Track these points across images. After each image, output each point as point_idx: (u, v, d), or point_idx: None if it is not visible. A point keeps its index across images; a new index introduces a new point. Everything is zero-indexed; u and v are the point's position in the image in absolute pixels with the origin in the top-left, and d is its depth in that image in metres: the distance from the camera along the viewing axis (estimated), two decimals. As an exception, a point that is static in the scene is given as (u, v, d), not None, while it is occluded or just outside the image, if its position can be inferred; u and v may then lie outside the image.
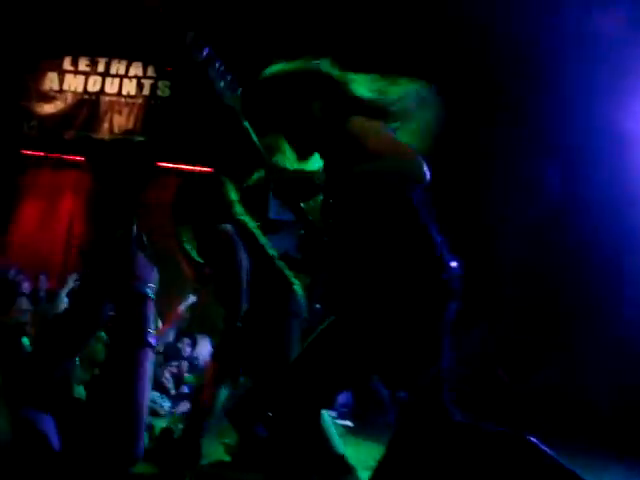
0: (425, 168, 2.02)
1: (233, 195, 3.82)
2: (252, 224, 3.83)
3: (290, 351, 3.53)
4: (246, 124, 2.28)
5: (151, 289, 1.31)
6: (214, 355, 4.29)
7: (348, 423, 5.96)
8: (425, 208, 2.24)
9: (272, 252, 3.79)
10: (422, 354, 2.14)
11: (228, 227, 3.63)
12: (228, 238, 3.59)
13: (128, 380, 1.18)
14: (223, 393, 3.98)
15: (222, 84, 2.27)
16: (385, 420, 3.43)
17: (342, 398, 6.80)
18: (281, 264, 3.82)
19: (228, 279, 3.55)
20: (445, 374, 2.16)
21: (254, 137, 2.27)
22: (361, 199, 2.14)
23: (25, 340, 2.03)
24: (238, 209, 3.81)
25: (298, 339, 3.66)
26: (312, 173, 2.24)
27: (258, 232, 3.83)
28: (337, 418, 5.86)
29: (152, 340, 1.27)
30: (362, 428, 5.56)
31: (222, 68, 2.27)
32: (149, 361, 1.23)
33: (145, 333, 1.25)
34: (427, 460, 1.77)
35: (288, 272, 3.81)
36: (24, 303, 5.71)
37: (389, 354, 2.19)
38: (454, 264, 2.18)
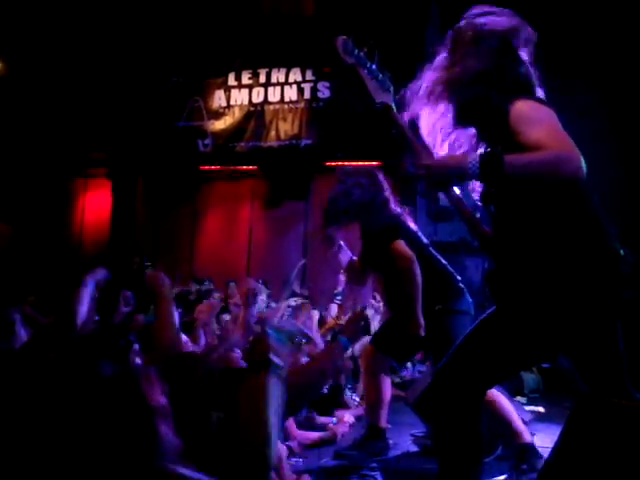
0: (581, 165, 1.91)
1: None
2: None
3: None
4: (400, 121, 2.27)
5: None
6: (373, 341, 4.22)
7: (539, 409, 5.76)
8: (594, 194, 2.12)
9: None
10: (596, 343, 2.05)
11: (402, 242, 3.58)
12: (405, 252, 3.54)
13: None
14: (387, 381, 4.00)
15: (374, 83, 2.28)
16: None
17: (532, 384, 6.60)
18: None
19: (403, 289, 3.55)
20: (624, 361, 2.05)
21: (408, 133, 2.26)
22: (520, 188, 2.07)
23: None
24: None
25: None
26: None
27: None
28: (527, 404, 5.70)
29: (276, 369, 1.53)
30: (554, 413, 5.34)
31: (374, 67, 2.28)
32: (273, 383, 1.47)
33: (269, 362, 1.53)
34: (603, 449, 1.67)
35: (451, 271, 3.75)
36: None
37: (560, 343, 2.11)
38: (622, 252, 2.06)
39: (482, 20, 2.22)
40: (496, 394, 3.28)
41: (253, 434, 1.29)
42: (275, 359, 1.54)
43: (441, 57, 2.29)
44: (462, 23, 2.27)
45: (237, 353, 3.28)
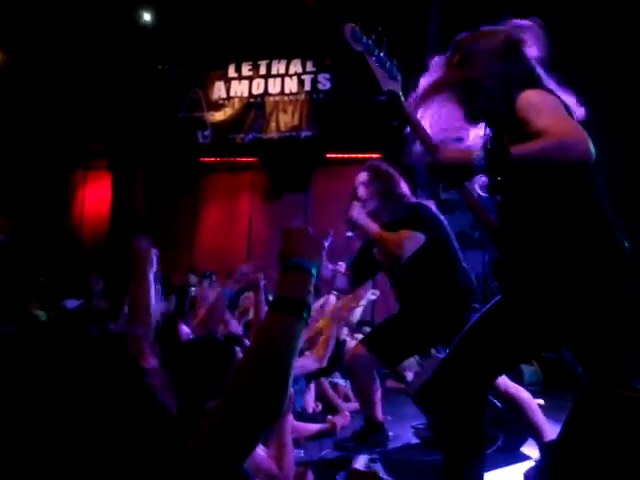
0: (589, 148, 1.90)
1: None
2: None
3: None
4: (407, 109, 2.27)
5: (315, 267, 1.36)
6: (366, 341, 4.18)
7: (539, 401, 5.76)
8: (599, 184, 2.12)
9: None
10: (599, 334, 2.06)
11: None
12: None
13: (273, 343, 1.25)
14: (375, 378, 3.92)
15: (381, 71, 2.27)
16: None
17: (531, 376, 6.61)
18: None
19: None
20: (626, 352, 2.06)
21: (415, 121, 2.26)
22: (527, 178, 2.07)
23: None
24: None
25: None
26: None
27: None
28: (527, 396, 5.69)
29: (305, 314, 1.29)
30: (553, 405, 5.35)
31: (382, 54, 2.28)
32: (298, 330, 1.27)
33: (303, 304, 1.30)
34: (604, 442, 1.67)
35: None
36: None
37: (563, 333, 2.12)
38: (627, 243, 2.07)
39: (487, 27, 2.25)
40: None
41: (271, 365, 1.22)
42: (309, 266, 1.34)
43: (446, 58, 2.30)
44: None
45: None
